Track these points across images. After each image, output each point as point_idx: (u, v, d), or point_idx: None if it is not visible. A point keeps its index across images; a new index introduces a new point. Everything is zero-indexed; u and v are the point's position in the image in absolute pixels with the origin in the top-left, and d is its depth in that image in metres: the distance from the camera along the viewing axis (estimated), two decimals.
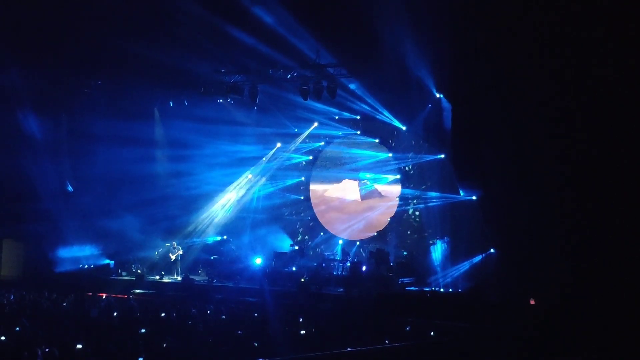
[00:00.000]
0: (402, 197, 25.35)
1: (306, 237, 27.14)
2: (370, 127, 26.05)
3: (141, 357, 10.97)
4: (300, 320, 15.30)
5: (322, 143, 27.31)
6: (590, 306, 16.15)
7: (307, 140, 27.17)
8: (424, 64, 20.60)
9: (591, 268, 16.96)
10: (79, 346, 11.27)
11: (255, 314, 16.40)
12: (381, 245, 24.66)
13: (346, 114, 25.48)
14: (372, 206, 26.14)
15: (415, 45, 19.60)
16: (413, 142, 25.05)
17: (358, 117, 25.62)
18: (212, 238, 27.45)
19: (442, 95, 21.96)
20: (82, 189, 26.49)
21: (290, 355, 11.96)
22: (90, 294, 20.98)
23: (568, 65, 17.04)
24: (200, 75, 23.79)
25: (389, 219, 25.67)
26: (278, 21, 19.76)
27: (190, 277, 24.07)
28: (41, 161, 25.39)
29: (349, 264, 23.34)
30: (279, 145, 27.68)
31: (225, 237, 27.38)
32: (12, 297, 19.04)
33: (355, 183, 26.65)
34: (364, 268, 22.92)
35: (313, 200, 27.69)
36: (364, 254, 24.90)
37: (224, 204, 28.13)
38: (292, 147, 27.37)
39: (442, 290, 21.45)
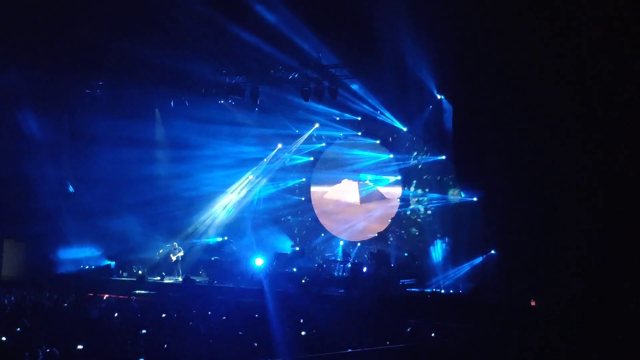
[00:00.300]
0: (403, 198, 25.34)
1: (307, 239, 27.13)
2: (371, 128, 26.05)
3: (142, 357, 10.97)
4: (301, 321, 15.30)
5: (323, 144, 27.32)
6: (591, 307, 16.14)
7: (312, 140, 27.18)
8: (425, 65, 20.60)
9: (592, 269, 16.96)
10: (80, 347, 11.28)
11: (256, 315, 16.39)
12: (382, 247, 24.66)
13: (347, 115, 25.49)
14: (372, 207, 26.14)
15: (416, 46, 19.60)
16: (414, 144, 25.05)
17: (359, 119, 25.61)
18: (213, 239, 27.45)
19: (443, 97, 21.96)
20: (83, 190, 26.52)
21: (290, 356, 11.97)
22: (91, 294, 20.97)
23: (570, 67, 17.04)
24: (201, 76, 23.78)
25: (389, 220, 25.67)
26: (279, 22, 19.77)
27: (191, 277, 24.07)
28: (42, 162, 25.41)
29: (349, 265, 23.32)
30: (280, 146, 27.69)
31: (226, 238, 27.38)
32: (13, 297, 19.05)
33: (356, 184, 26.65)
34: (364, 269, 22.89)
35: (314, 202, 27.69)
36: (365, 255, 24.86)
37: (224, 205, 28.15)
38: (293, 148, 27.38)
39: (443, 291, 21.43)
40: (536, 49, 17.55)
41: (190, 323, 14.68)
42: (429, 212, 24.46)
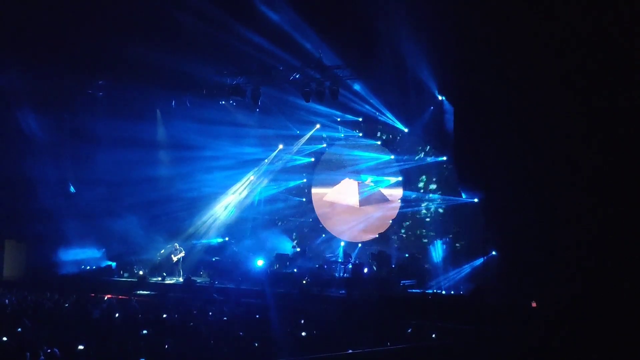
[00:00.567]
0: (404, 199, 25.34)
1: (308, 239, 27.13)
2: (372, 129, 26.10)
3: (143, 358, 10.97)
4: (302, 321, 15.30)
5: (324, 145, 27.34)
6: (592, 308, 16.13)
7: (313, 141, 27.22)
8: (426, 66, 20.61)
9: (593, 270, 16.95)
10: (81, 347, 11.28)
11: (257, 316, 16.40)
12: (383, 247, 24.69)
13: (348, 116, 25.52)
14: (373, 208, 26.14)
15: (417, 46, 19.60)
16: (415, 144, 25.05)
17: (360, 119, 25.64)
18: (214, 239, 27.47)
19: (444, 98, 21.97)
20: (84, 190, 26.53)
21: (291, 357, 11.97)
22: (92, 295, 20.98)
23: (571, 67, 17.03)
24: (202, 77, 23.80)
25: (390, 221, 25.68)
26: (280, 22, 19.77)
27: (192, 278, 24.07)
28: (43, 162, 25.44)
29: (350, 266, 23.33)
30: (281, 147, 27.72)
31: (227, 238, 27.40)
32: (14, 297, 19.06)
33: (356, 184, 26.65)
34: (365, 270, 22.91)
35: (315, 203, 27.71)
36: (366, 257, 24.85)
37: (225, 206, 28.17)
38: (295, 148, 27.40)
39: (443, 292, 21.42)
40: (537, 49, 17.55)
41: (191, 323, 14.68)
42: (430, 213, 24.44)
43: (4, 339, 11.89)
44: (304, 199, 27.94)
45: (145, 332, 13.25)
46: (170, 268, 25.52)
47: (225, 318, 15.97)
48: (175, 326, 14.51)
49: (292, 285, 22.41)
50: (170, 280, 24.93)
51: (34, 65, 22.93)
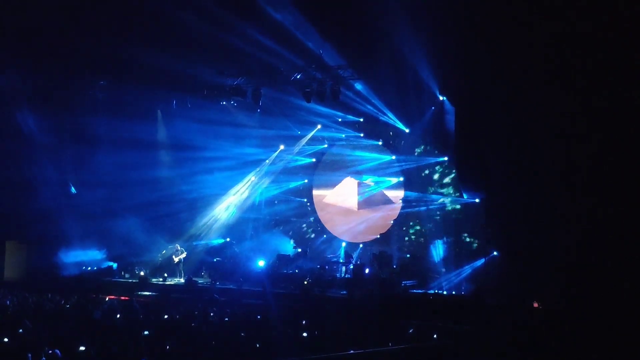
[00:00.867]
0: (405, 200, 25.33)
1: (309, 240, 27.12)
2: (373, 129, 26.09)
3: (144, 359, 10.97)
4: (303, 322, 15.29)
5: (325, 145, 27.34)
6: (593, 308, 16.13)
7: (314, 142, 27.22)
8: (427, 67, 20.61)
9: (594, 271, 16.94)
10: (82, 348, 11.28)
11: (258, 316, 16.38)
12: (384, 248, 24.68)
13: (350, 117, 25.53)
14: (375, 209, 26.13)
15: (418, 47, 19.60)
16: (416, 145, 25.04)
17: (361, 120, 25.64)
18: (215, 240, 27.47)
19: (445, 98, 21.97)
20: (85, 191, 26.54)
21: (292, 357, 11.95)
22: (94, 296, 20.98)
23: (572, 68, 17.03)
24: (203, 78, 23.79)
25: (391, 222, 25.67)
26: (281, 22, 19.74)
27: (194, 279, 24.07)
28: (44, 163, 25.47)
29: (351, 267, 23.33)
30: (282, 147, 27.72)
31: (228, 239, 27.40)
32: (15, 298, 19.06)
33: (356, 183, 26.64)
34: (366, 270, 22.90)
35: (316, 203, 27.71)
36: (368, 257, 24.83)
37: (227, 207, 28.16)
38: (296, 149, 27.40)
39: (445, 292, 21.43)
40: (538, 50, 17.55)
41: (193, 324, 14.67)
42: (431, 213, 24.43)
43: (5, 340, 11.88)
44: (305, 200, 27.93)
45: (146, 333, 13.24)
46: (171, 269, 25.53)
47: (226, 319, 15.96)
48: (176, 327, 14.50)
49: (293, 286, 22.43)
50: (171, 281, 24.94)
51: (34, 66, 22.95)
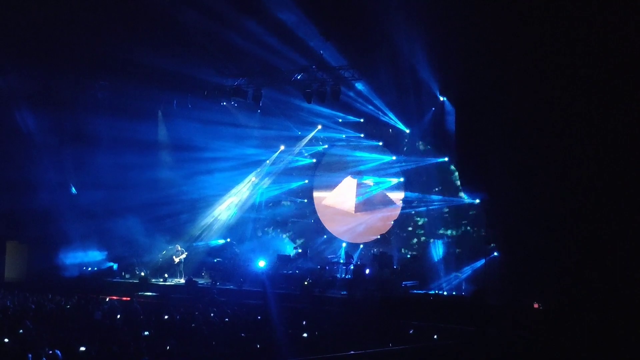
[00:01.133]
0: (406, 200, 25.32)
1: (309, 240, 27.11)
2: (373, 130, 26.08)
3: (145, 359, 10.97)
4: (304, 323, 15.30)
5: (326, 146, 27.33)
6: (593, 310, 16.12)
7: (314, 142, 27.21)
8: (427, 67, 20.60)
9: (595, 271, 16.93)
10: (83, 348, 11.29)
11: (259, 317, 16.40)
12: (384, 248, 24.68)
13: (350, 117, 25.52)
14: (375, 209, 26.11)
15: (419, 47, 19.60)
16: (417, 145, 25.03)
17: (362, 120, 25.63)
18: (215, 241, 27.46)
19: (445, 99, 21.96)
20: (85, 191, 26.53)
21: (293, 358, 11.96)
22: (94, 296, 20.99)
23: (573, 69, 17.02)
24: (203, 78, 23.79)
25: (392, 222, 25.66)
26: (283, 23, 19.72)
27: (194, 279, 24.08)
28: (44, 163, 25.46)
29: (352, 267, 23.31)
30: (282, 148, 27.72)
31: (228, 240, 27.40)
32: (15, 299, 19.07)
33: (355, 182, 26.64)
34: (367, 271, 22.89)
35: (316, 203, 27.70)
36: (368, 258, 24.82)
37: (227, 207, 28.16)
38: (296, 149, 27.40)
39: (445, 293, 21.41)
40: (539, 50, 17.55)
41: (193, 325, 14.67)
42: (432, 214, 24.41)
43: (6, 340, 11.90)
44: (306, 200, 27.92)
45: (147, 333, 13.26)
46: (171, 269, 25.54)
47: (227, 319, 15.97)
48: (177, 327, 14.52)
49: (293, 286, 22.41)
50: (171, 281, 24.95)
51: (35, 66, 22.95)
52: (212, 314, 16.68)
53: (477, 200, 22.12)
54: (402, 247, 24.91)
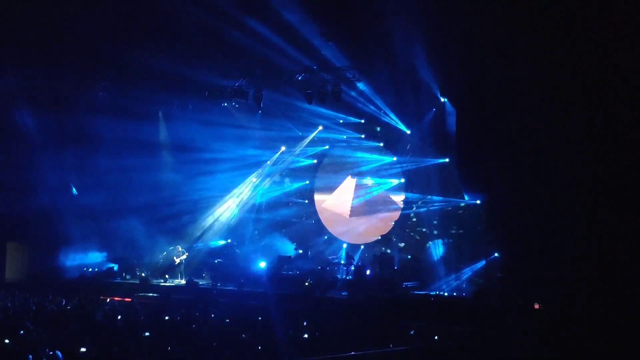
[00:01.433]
0: (407, 201, 25.30)
1: (310, 241, 27.09)
2: (374, 130, 26.08)
3: None
4: (304, 324, 15.29)
5: (327, 147, 27.32)
6: (594, 310, 16.11)
7: (315, 143, 27.23)
8: (428, 68, 20.59)
9: (596, 272, 16.93)
10: (83, 349, 11.28)
11: (259, 318, 16.38)
12: (385, 249, 24.67)
13: (351, 118, 25.51)
14: (376, 210, 26.09)
15: (420, 48, 19.60)
16: (417, 146, 25.00)
17: (362, 121, 25.62)
18: (216, 242, 27.46)
19: (446, 100, 21.96)
20: (86, 192, 26.53)
21: (293, 359, 11.95)
22: (95, 297, 20.98)
23: (574, 70, 17.02)
24: (204, 79, 23.78)
25: (393, 223, 25.64)
26: (283, 23, 19.70)
27: (195, 280, 24.08)
28: (45, 164, 25.45)
29: (353, 268, 23.31)
30: (283, 148, 27.72)
31: (229, 240, 27.39)
32: (16, 300, 19.06)
33: (357, 184, 26.64)
34: (368, 272, 22.90)
35: (317, 204, 27.69)
36: (369, 258, 24.80)
37: (228, 208, 28.15)
38: (297, 150, 27.39)
39: (446, 294, 21.41)
40: (540, 52, 17.55)
41: (194, 326, 14.67)
42: (432, 214, 24.40)
43: (7, 341, 11.89)
44: (307, 201, 27.92)
45: (147, 334, 13.24)
46: (172, 270, 25.52)
47: (227, 320, 15.95)
48: (177, 328, 14.51)
49: (294, 287, 22.41)
50: (172, 282, 24.94)
51: (37, 67, 22.95)
52: (212, 315, 16.67)
53: (478, 201, 22.11)
54: (403, 248, 24.87)
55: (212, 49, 21.11)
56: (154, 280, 24.97)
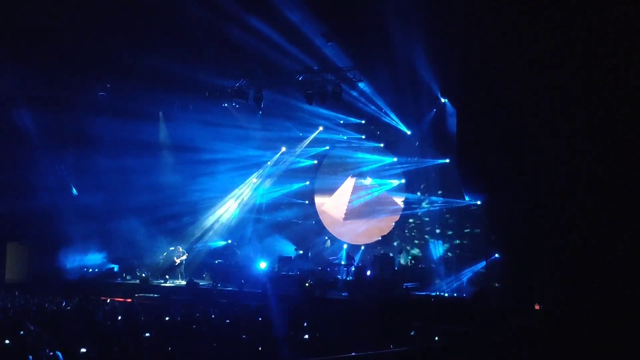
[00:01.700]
0: (407, 202, 25.31)
1: (311, 242, 27.09)
2: (375, 131, 26.10)
3: None
4: (305, 324, 15.28)
5: (327, 147, 27.32)
6: (594, 311, 16.10)
7: (316, 144, 27.23)
8: (429, 69, 20.59)
9: (596, 273, 16.92)
10: (83, 350, 11.28)
11: (260, 318, 16.38)
12: (386, 250, 24.67)
13: (351, 119, 25.52)
14: (376, 211, 26.09)
15: (420, 48, 19.58)
16: (418, 147, 25.01)
17: (363, 122, 25.62)
18: (216, 242, 27.46)
19: (447, 100, 21.96)
20: (86, 193, 26.53)
21: (294, 359, 11.95)
22: (95, 297, 20.98)
23: (575, 70, 17.01)
24: (205, 80, 23.78)
25: (393, 224, 25.64)
26: (284, 23, 19.69)
27: (195, 281, 24.08)
28: (45, 164, 25.46)
29: (353, 269, 23.31)
30: (283, 149, 27.72)
31: (229, 241, 27.39)
32: (16, 300, 19.05)
33: (358, 185, 26.63)
34: (368, 272, 22.89)
35: (317, 206, 27.69)
36: (369, 259, 24.79)
37: (228, 208, 28.16)
38: (297, 151, 27.40)
39: (446, 295, 21.42)
40: (541, 52, 17.54)
41: (194, 326, 14.66)
42: (433, 215, 24.40)
43: (7, 341, 11.89)
44: (307, 202, 27.92)
45: (147, 334, 13.24)
46: (173, 271, 25.53)
47: (227, 321, 15.95)
48: (177, 329, 14.50)
49: (294, 288, 22.40)
50: (172, 283, 24.94)
51: (37, 68, 22.94)
52: (213, 316, 16.67)
53: (479, 202, 22.10)
54: (403, 248, 24.86)
55: (212, 49, 21.07)
56: (155, 281, 24.98)
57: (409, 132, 24.56)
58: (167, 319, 15.74)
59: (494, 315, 17.52)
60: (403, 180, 25.54)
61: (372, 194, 26.25)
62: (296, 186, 28.06)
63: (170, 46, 21.05)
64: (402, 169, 25.44)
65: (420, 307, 19.61)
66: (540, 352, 13.60)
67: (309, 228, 27.64)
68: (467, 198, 22.33)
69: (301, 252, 25.52)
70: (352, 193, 26.83)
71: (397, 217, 25.56)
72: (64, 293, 21.12)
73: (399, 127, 24.36)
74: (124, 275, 26.11)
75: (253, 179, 28.02)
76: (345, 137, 26.58)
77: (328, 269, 23.67)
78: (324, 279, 22.76)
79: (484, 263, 21.35)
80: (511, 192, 19.19)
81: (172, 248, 26.08)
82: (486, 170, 20.13)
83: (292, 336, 13.93)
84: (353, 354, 12.01)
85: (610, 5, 16.40)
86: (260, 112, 25.78)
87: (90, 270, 26.00)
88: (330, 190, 27.48)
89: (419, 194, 24.98)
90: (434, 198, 24.35)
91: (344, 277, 23.36)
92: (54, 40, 21.09)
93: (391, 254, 23.94)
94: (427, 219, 24.66)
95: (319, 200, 27.72)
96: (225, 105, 25.75)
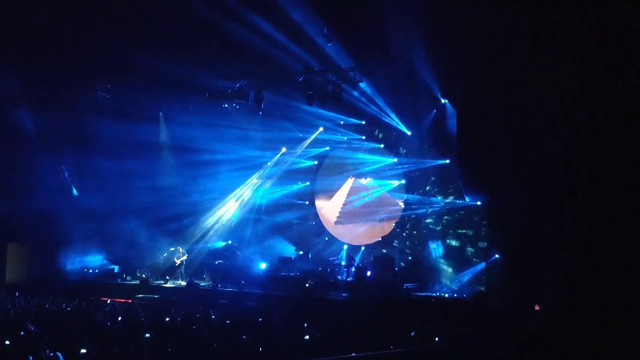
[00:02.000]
0: (407, 202, 25.30)
1: (311, 242, 27.09)
2: (375, 132, 26.09)
3: None
4: (305, 325, 15.28)
5: (327, 148, 27.32)
6: (595, 312, 16.10)
7: (316, 144, 27.23)
8: (429, 69, 20.59)
9: (596, 273, 16.92)
10: (83, 350, 11.27)
11: (260, 319, 16.37)
12: (386, 251, 24.66)
13: (352, 119, 25.51)
14: (376, 211, 26.07)
15: (420, 49, 19.58)
16: (418, 147, 25.00)
17: (363, 122, 25.62)
18: (217, 243, 27.46)
19: (447, 101, 21.96)
20: (86, 194, 26.54)
21: None
22: (95, 298, 20.98)
23: (575, 71, 17.02)
24: (205, 80, 23.78)
25: (393, 224, 25.63)
26: (284, 24, 19.70)
27: (195, 281, 24.08)
28: (46, 165, 25.46)
29: (353, 269, 23.30)
30: (284, 150, 27.72)
31: (230, 242, 27.39)
32: (16, 301, 19.05)
33: (358, 185, 26.63)
34: (368, 273, 22.90)
35: (317, 206, 27.69)
36: (370, 260, 24.79)
37: (229, 209, 28.16)
38: (298, 151, 27.40)
39: (447, 295, 21.42)
40: (541, 53, 17.54)
41: (194, 327, 14.66)
42: (433, 216, 24.39)
43: (7, 342, 11.89)
44: (307, 202, 27.92)
45: (147, 335, 13.24)
46: (173, 271, 25.52)
47: (228, 321, 15.95)
48: (178, 330, 14.50)
49: (295, 289, 22.40)
50: (172, 283, 24.93)
51: (37, 69, 22.95)
52: (213, 316, 16.66)
53: (479, 202, 22.10)
54: (404, 249, 24.87)
55: (212, 50, 21.07)
56: (155, 282, 24.99)
57: (409, 133, 24.55)
58: (167, 319, 15.74)
59: (494, 315, 17.52)
60: (403, 181, 25.53)
61: (373, 194, 26.23)
62: (296, 187, 28.06)
63: (170, 47, 21.05)
64: (402, 170, 25.43)
65: (421, 308, 19.61)
66: (540, 352, 13.61)
67: (309, 229, 27.63)
68: (467, 199, 22.33)
69: (301, 252, 25.51)
70: (352, 194, 26.80)
71: (397, 218, 25.54)
72: (64, 294, 21.13)
73: (399, 127, 24.36)
74: (124, 276, 26.11)
75: (253, 180, 28.01)
76: (345, 138, 26.58)
77: (328, 270, 23.66)
78: (324, 280, 22.77)
79: (484, 263, 21.35)
80: (511, 192, 19.19)
81: (172, 249, 26.08)
82: (486, 170, 20.14)
83: (292, 337, 13.93)
84: (353, 354, 12.01)
85: (610, 5, 16.40)
86: (261, 113, 25.75)
87: (91, 271, 26.00)
88: (330, 191, 27.47)
89: (419, 194, 24.95)
90: (434, 199, 24.33)
91: (344, 278, 23.35)
92: (54, 40, 21.09)
93: (391, 255, 23.93)
94: (427, 219, 24.64)
95: (319, 201, 27.73)
96: (226, 106, 25.74)
